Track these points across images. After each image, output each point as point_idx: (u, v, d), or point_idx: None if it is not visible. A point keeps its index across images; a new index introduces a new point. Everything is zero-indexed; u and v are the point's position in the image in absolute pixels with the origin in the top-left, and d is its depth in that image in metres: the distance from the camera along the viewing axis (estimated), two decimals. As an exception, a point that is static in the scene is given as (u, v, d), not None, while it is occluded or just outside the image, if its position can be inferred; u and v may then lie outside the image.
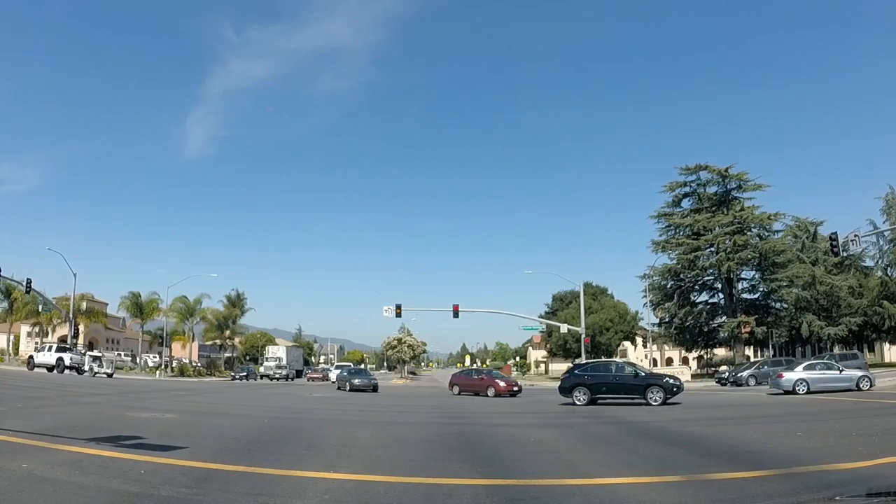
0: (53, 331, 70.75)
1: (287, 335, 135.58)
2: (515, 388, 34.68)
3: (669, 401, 22.33)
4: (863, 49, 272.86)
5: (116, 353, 74.24)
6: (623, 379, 23.46)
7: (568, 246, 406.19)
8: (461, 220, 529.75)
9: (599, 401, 23.05)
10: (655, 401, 22.04)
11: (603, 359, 53.13)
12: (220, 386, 42.97)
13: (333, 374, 57.86)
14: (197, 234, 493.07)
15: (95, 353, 54.33)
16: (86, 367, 46.68)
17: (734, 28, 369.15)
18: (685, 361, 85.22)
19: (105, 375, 46.71)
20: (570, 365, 37.62)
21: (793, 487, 6.98)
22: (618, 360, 46.20)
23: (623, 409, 20.87)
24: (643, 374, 24.54)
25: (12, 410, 15.44)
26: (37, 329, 71.60)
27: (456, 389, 35.78)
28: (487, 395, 33.05)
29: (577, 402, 22.79)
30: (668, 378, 24.03)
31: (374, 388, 37.70)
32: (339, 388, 38.34)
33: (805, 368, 29.10)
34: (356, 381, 37.62)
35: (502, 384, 34.26)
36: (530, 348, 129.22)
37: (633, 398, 22.85)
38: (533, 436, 13.04)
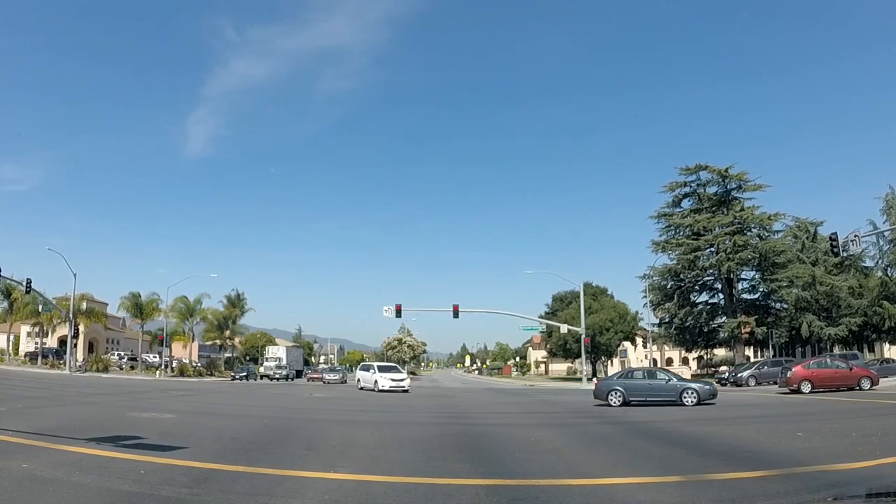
0: (53, 331, 70.64)
1: (287, 335, 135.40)
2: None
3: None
4: (862, 48, 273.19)
5: (116, 353, 74.26)
6: None
7: (568, 246, 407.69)
8: (461, 220, 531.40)
9: None
10: None
11: None
12: (220, 386, 42.94)
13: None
14: (197, 234, 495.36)
15: None
16: None
17: (734, 27, 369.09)
18: (685, 362, 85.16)
19: None
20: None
21: (793, 487, 6.97)
22: None
23: (623, 409, 20.84)
24: None
25: (12, 410, 15.47)
26: (37, 329, 71.43)
27: (807, 387, 27.01)
28: (861, 388, 25.93)
29: None
30: None
31: None
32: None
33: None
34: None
35: (876, 374, 27.83)
36: (530, 348, 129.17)
37: None
38: (533, 436, 13.04)
